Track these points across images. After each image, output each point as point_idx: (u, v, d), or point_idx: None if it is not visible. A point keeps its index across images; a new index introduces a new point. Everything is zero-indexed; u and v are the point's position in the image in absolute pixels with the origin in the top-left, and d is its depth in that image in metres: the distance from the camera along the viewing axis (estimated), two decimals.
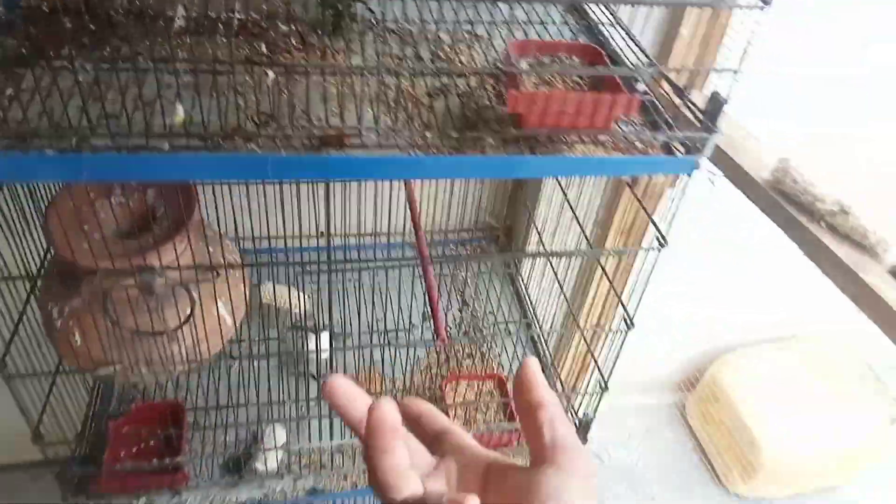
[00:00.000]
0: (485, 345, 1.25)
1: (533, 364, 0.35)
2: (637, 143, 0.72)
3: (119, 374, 0.82)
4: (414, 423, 0.37)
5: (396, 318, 1.13)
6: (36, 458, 1.66)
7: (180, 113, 0.64)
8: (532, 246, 1.34)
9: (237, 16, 0.84)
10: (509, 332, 1.25)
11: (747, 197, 0.97)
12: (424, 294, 1.05)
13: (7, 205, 0.77)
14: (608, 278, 1.02)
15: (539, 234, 1.25)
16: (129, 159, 0.61)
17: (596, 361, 1.02)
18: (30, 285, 0.80)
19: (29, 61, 0.72)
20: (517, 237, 1.42)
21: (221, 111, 0.68)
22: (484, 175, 0.69)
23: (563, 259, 1.19)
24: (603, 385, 1.02)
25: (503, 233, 1.45)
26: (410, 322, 1.19)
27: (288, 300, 1.21)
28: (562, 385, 1.18)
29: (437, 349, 1.10)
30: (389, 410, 0.29)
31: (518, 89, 0.66)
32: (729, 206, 1.11)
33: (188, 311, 0.79)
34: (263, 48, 0.79)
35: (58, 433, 0.91)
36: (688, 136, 0.71)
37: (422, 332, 1.17)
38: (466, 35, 0.89)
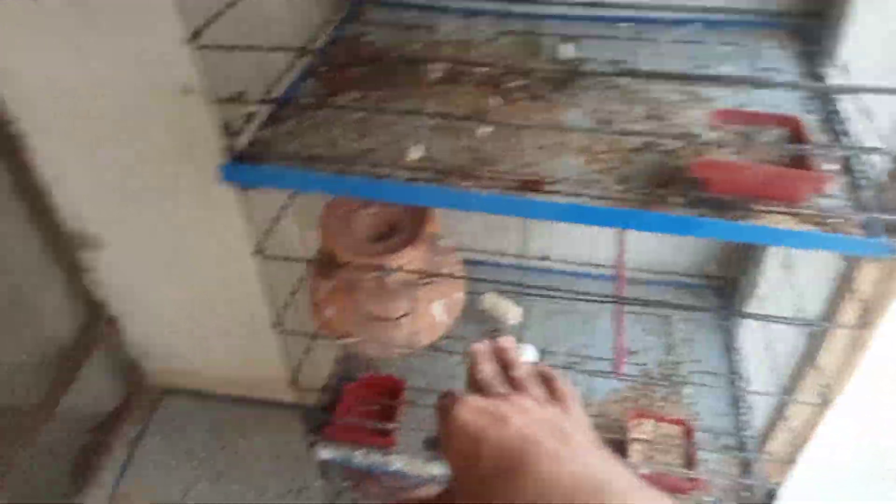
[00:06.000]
0: (682, 391, 1.26)
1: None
2: (834, 220, 0.72)
3: (355, 347, 1.04)
4: None
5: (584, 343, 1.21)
6: (289, 401, 2.08)
7: (418, 152, 0.81)
8: (754, 304, 1.31)
9: (482, 69, 1.00)
10: (709, 385, 1.24)
11: None
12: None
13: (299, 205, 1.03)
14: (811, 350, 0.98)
15: (758, 293, 1.22)
16: (378, 185, 0.80)
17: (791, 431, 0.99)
18: (306, 265, 1.05)
19: (323, 100, 0.95)
20: (740, 291, 1.38)
21: (453, 151, 0.84)
22: (662, 231, 0.74)
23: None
24: (792, 457, 0.99)
25: (727, 283, 1.42)
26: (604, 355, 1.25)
27: (503, 311, 1.35)
28: (756, 449, 1.14)
29: (618, 378, 1.15)
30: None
31: (706, 155, 0.71)
32: None
33: (409, 307, 0.97)
34: (499, 99, 0.94)
35: (309, 383, 1.16)
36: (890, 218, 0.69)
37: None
38: (688, 96, 0.94)
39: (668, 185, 0.77)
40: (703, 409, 1.22)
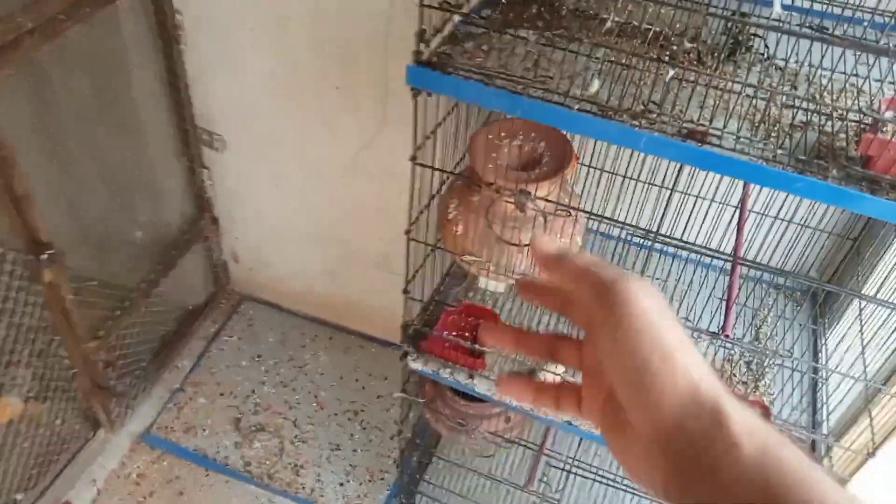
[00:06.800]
0: (762, 379, 1.29)
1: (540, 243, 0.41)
2: None
3: (474, 266, 1.11)
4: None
5: (689, 313, 1.26)
6: (358, 329, 2.18)
7: (595, 86, 0.87)
8: (851, 312, 1.33)
9: (654, 28, 1.05)
10: (791, 375, 1.27)
11: None
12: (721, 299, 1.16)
13: (451, 123, 1.10)
14: None
15: (860, 303, 1.25)
16: (549, 108, 0.86)
17: (872, 425, 1.02)
18: (444, 177, 1.13)
19: (500, 29, 1.02)
20: (836, 301, 1.40)
21: (622, 94, 0.89)
22: (813, 197, 0.78)
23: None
24: (871, 450, 1.02)
25: (821, 292, 1.44)
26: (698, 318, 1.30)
27: None
28: (829, 436, 1.17)
29: (720, 343, 1.19)
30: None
31: (875, 135, 0.75)
32: None
33: (538, 235, 1.03)
34: (666, 57, 0.99)
35: (416, 294, 1.24)
36: None
37: (707, 326, 1.26)
38: (851, 87, 0.97)
39: (825, 159, 0.82)
40: (780, 400, 1.26)
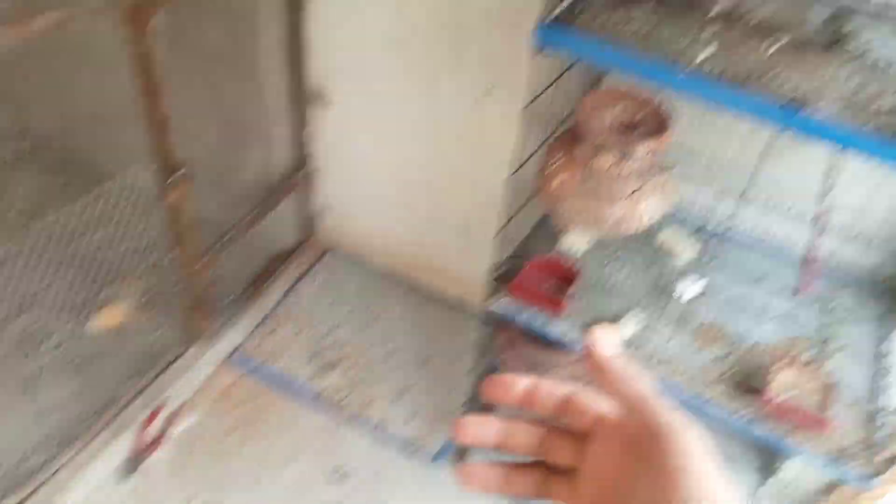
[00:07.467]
0: (825, 365, 1.36)
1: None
2: None
3: (565, 214, 1.22)
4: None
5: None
6: (430, 286, 2.29)
7: (705, 53, 0.97)
8: None
9: (757, 18, 1.13)
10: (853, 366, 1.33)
11: None
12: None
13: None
14: None
15: None
16: (661, 69, 0.97)
17: None
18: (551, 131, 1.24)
19: (613, 6, 1.12)
20: None
21: (726, 65, 0.99)
22: None
23: None
24: None
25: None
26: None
27: (679, 246, 1.49)
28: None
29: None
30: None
31: None
32: None
33: (631, 191, 1.14)
34: (768, 44, 1.08)
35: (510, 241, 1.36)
36: None
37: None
38: None
39: None
40: (843, 381, 1.32)
